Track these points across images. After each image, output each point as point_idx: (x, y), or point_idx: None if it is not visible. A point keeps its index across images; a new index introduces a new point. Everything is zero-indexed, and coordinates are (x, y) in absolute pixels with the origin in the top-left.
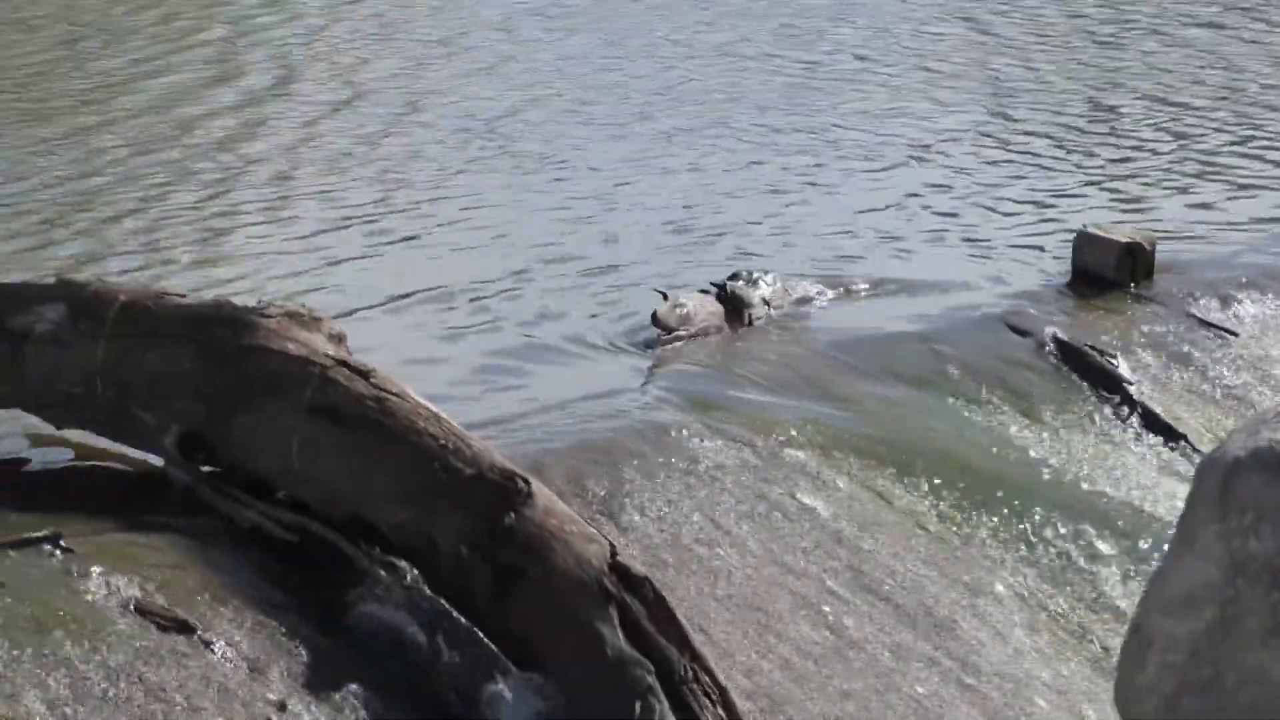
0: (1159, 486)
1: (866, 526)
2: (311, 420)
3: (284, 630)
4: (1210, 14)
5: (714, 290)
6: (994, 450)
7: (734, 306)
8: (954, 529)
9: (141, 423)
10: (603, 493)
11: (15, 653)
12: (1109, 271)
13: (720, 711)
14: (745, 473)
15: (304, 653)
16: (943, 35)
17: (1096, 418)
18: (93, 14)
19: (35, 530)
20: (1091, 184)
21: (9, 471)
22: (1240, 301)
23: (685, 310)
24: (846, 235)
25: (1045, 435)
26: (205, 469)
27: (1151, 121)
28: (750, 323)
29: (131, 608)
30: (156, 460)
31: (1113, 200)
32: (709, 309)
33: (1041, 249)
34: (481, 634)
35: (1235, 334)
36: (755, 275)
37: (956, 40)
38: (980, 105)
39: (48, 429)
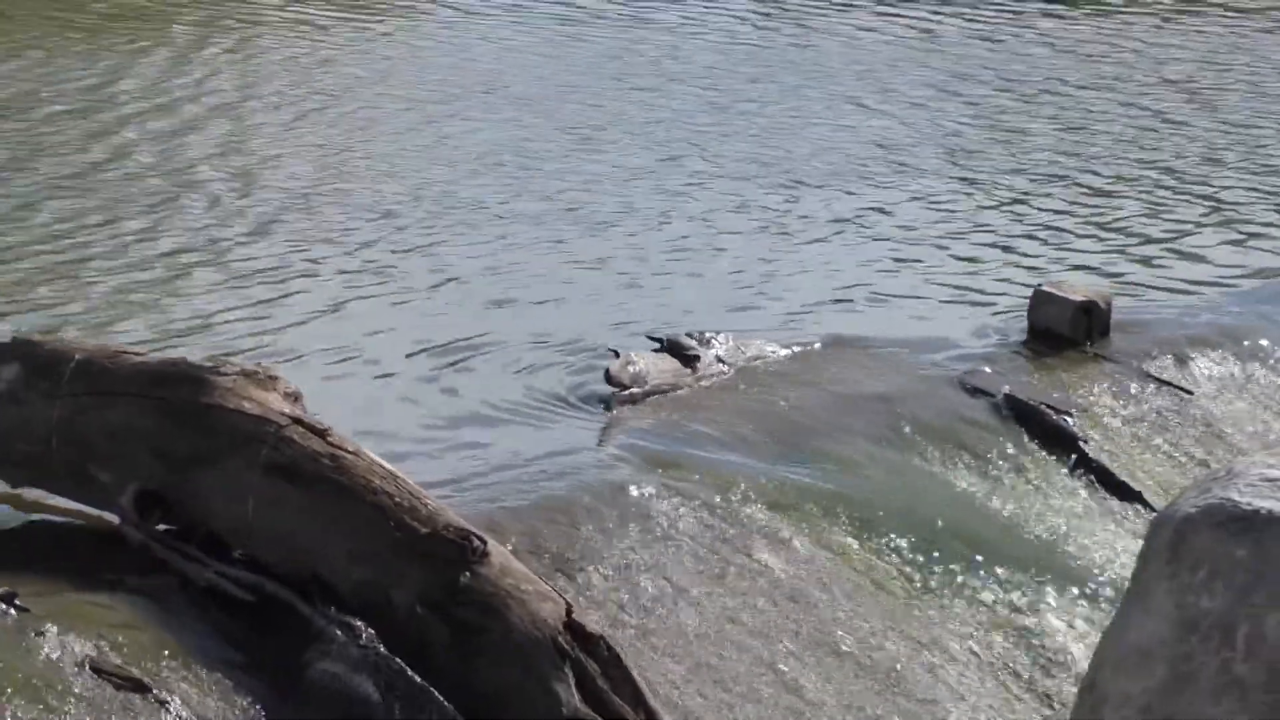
0: (1113, 544)
1: (825, 585)
2: (268, 479)
3: (240, 689)
4: (1170, 74)
5: (657, 345)
6: (951, 508)
7: (684, 362)
8: (911, 587)
9: (98, 481)
10: (559, 551)
11: None
12: (1065, 329)
13: None
14: (702, 531)
15: (259, 712)
16: (900, 96)
17: (1052, 476)
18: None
19: None
20: (1048, 242)
21: None
22: (1195, 360)
23: (638, 368)
24: (803, 293)
25: (1001, 493)
26: (162, 527)
27: (1109, 180)
28: (704, 380)
29: (87, 667)
30: (114, 518)
31: (1070, 258)
32: (662, 366)
33: (998, 307)
34: (437, 693)
35: (1190, 392)
36: (707, 335)
37: (914, 99)
38: (937, 164)
39: (3, 487)
